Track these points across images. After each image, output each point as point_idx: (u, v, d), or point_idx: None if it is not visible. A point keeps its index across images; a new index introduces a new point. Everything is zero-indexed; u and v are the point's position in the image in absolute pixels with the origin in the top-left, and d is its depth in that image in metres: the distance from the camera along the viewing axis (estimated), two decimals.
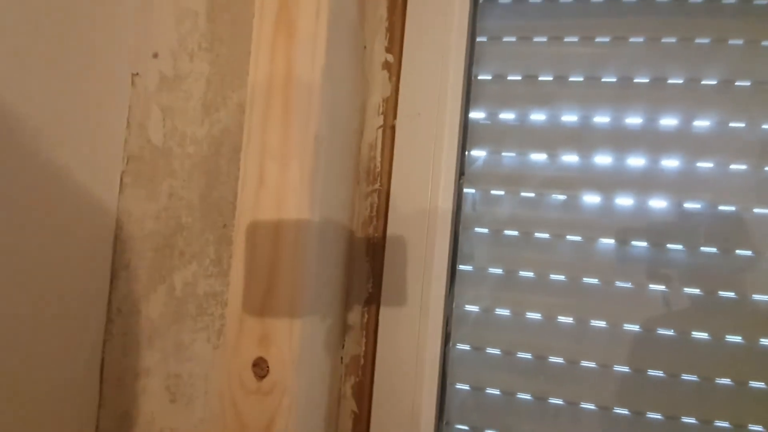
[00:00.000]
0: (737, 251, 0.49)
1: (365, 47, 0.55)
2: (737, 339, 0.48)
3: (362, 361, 0.53)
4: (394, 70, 0.55)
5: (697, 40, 0.51)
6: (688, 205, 0.50)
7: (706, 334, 0.49)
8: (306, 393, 0.37)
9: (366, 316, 0.54)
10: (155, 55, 0.40)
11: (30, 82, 0.33)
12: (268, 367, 0.34)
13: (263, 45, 0.36)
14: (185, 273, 0.39)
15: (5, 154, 0.31)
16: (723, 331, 0.48)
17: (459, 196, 0.53)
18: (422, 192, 0.51)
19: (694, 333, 0.49)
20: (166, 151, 0.39)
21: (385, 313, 0.52)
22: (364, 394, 0.53)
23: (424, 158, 0.51)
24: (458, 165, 0.52)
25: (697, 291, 0.49)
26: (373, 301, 0.53)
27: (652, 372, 0.49)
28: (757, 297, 0.48)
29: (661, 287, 0.50)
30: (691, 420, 0.49)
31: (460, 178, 0.53)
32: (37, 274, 0.35)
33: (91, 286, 0.38)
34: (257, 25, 0.36)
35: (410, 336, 0.50)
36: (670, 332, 0.49)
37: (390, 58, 0.55)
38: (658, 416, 0.49)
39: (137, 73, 0.40)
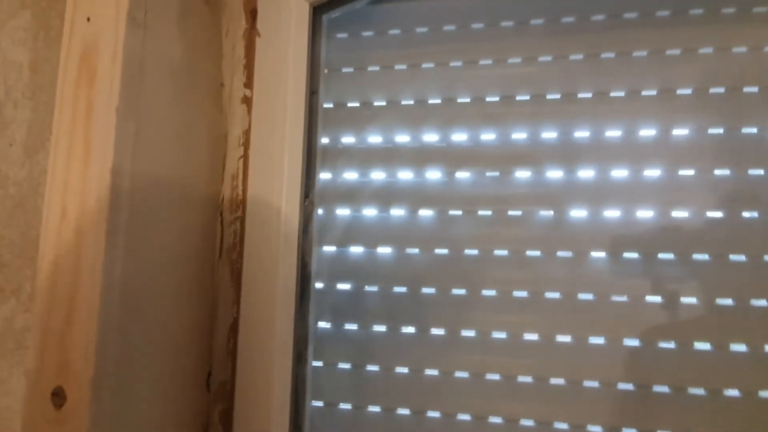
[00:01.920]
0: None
1: (222, 84, 0.58)
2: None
3: (228, 387, 0.54)
4: (251, 103, 0.58)
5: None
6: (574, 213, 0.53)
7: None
8: (117, 421, 0.38)
9: (231, 341, 0.55)
10: None
11: None
12: (65, 396, 0.35)
13: (66, 88, 0.39)
14: (5, 309, 0.40)
15: None
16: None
17: (306, 217, 0.55)
18: (271, 216, 0.53)
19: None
20: None
21: (242, 336, 0.53)
22: (231, 420, 0.53)
23: (271, 183, 0.54)
24: (302, 187, 0.54)
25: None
26: (238, 325, 0.55)
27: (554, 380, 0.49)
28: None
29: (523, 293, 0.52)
30: None
31: (305, 200, 0.55)
32: None
33: None
34: (62, 72, 0.39)
35: (263, 357, 0.51)
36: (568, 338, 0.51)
37: (248, 93, 0.58)
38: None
39: None
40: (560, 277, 0.51)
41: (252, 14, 0.59)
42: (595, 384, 0.49)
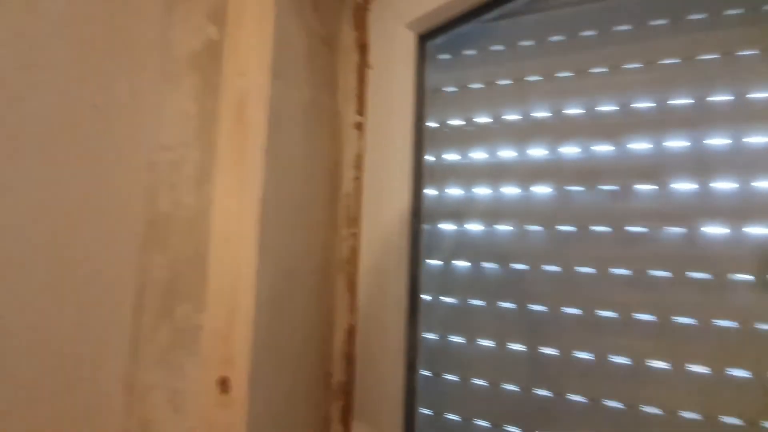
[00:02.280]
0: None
1: (338, 113, 0.65)
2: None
3: (346, 387, 0.60)
4: (363, 129, 0.64)
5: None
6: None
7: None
8: (269, 408, 0.45)
9: (348, 345, 0.61)
10: (165, 147, 0.54)
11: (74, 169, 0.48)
12: (230, 384, 0.44)
13: (225, 132, 0.48)
14: (183, 308, 0.50)
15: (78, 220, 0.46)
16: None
17: (415, 235, 0.59)
18: (383, 231, 0.58)
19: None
20: (171, 218, 0.53)
21: (360, 341, 0.58)
22: (348, 415, 0.59)
23: (382, 201, 0.58)
24: (411, 204, 0.58)
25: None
26: (354, 330, 0.60)
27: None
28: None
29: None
30: None
31: (414, 219, 0.59)
32: (75, 311, 0.49)
33: (117, 322, 0.52)
34: (222, 119, 0.48)
35: (379, 361, 0.56)
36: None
37: (360, 119, 0.64)
38: None
39: (153, 162, 0.54)
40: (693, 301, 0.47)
41: (363, 49, 0.65)
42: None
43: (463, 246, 0.59)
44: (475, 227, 0.59)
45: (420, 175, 0.60)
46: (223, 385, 0.44)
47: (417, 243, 0.59)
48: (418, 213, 0.60)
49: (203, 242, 0.51)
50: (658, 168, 0.50)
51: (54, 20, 0.47)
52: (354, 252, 0.62)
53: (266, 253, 0.46)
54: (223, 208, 0.46)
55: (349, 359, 0.60)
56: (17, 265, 0.44)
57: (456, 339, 0.58)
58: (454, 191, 0.59)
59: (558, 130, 0.55)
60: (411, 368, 0.57)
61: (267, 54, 0.47)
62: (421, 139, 0.60)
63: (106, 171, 0.51)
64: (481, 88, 0.61)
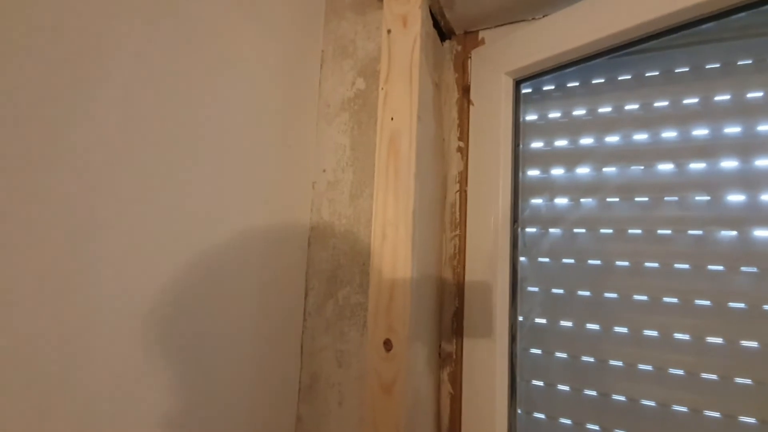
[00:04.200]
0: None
1: (444, 139, 0.81)
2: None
3: (454, 356, 0.76)
4: (465, 151, 0.80)
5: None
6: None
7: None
8: (415, 363, 0.62)
9: (455, 323, 0.77)
10: (324, 171, 0.72)
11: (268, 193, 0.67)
12: (392, 344, 0.60)
13: (381, 160, 0.65)
14: (344, 291, 0.68)
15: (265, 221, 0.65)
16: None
17: (515, 237, 0.74)
18: (487, 234, 0.74)
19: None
20: (330, 223, 0.70)
21: (467, 322, 0.74)
22: (456, 380, 0.75)
23: (486, 210, 0.74)
24: (512, 214, 0.73)
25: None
26: (460, 312, 0.76)
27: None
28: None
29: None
30: None
31: (514, 224, 0.74)
32: (268, 296, 0.67)
33: (294, 300, 0.70)
34: (378, 150, 0.65)
35: (485, 338, 0.71)
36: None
37: (462, 144, 0.81)
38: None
39: (315, 182, 0.72)
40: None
41: (464, 88, 0.81)
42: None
43: (548, 245, 0.74)
44: (556, 230, 0.74)
45: (518, 189, 0.76)
46: (387, 345, 0.60)
47: (516, 243, 0.74)
48: (518, 219, 0.75)
49: (358, 242, 0.68)
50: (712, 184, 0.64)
51: (258, 93, 0.65)
52: (459, 250, 0.78)
53: (415, 250, 0.62)
54: (381, 217, 0.63)
55: (457, 335, 0.76)
56: (235, 253, 0.62)
57: (541, 321, 0.73)
58: (539, 201, 0.75)
59: (622, 153, 0.70)
60: (514, 341, 0.72)
61: (414, 103, 0.64)
62: (518, 161, 0.76)
63: (286, 189, 0.69)
64: (559, 116, 0.76)
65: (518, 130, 0.76)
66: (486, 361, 0.71)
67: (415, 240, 0.63)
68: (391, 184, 0.64)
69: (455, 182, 0.81)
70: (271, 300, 0.67)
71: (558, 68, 0.71)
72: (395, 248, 0.62)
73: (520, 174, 0.78)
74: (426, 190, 0.69)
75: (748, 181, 0.63)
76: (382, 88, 0.66)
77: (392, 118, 0.65)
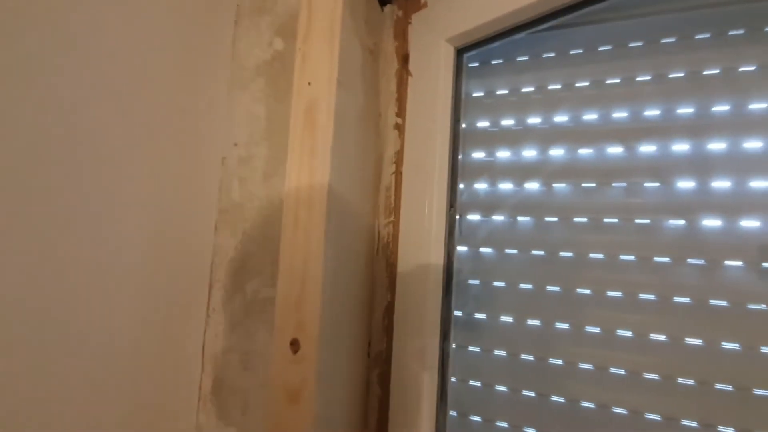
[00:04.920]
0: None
1: (380, 115, 0.73)
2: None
3: (384, 355, 0.69)
4: (402, 129, 0.72)
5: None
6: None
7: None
8: (330, 367, 0.54)
9: (386, 319, 0.69)
10: (235, 144, 0.62)
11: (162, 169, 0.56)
12: (300, 345, 0.52)
13: (297, 132, 0.56)
14: (253, 283, 0.59)
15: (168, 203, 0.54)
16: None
17: (450, 224, 0.67)
18: (421, 220, 0.66)
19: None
20: (241, 206, 0.61)
21: (397, 317, 0.67)
22: (385, 381, 0.68)
23: (421, 194, 0.66)
24: (449, 199, 0.66)
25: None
26: (391, 307, 0.69)
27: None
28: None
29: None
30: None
31: (450, 209, 0.67)
32: (163, 289, 0.57)
33: (196, 294, 0.60)
34: (293, 121, 0.56)
35: (416, 333, 0.64)
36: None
37: (399, 120, 0.72)
38: None
39: (225, 157, 0.62)
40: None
41: (403, 58, 0.72)
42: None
43: (490, 234, 0.67)
44: (500, 218, 0.68)
45: (456, 171, 0.68)
46: (294, 345, 0.52)
47: (452, 230, 0.67)
48: (454, 204, 0.68)
49: (270, 227, 0.59)
50: (662, 168, 0.58)
51: (152, 41, 0.54)
52: (393, 238, 0.70)
53: (330, 237, 0.54)
54: (293, 197, 0.55)
55: (387, 331, 0.69)
56: (120, 243, 0.52)
57: (480, 315, 0.67)
58: (482, 186, 0.68)
59: (575, 134, 0.64)
60: (446, 338, 0.65)
61: (334, 66, 0.55)
62: (457, 140, 0.68)
63: (186, 165, 0.59)
64: (507, 93, 0.69)
65: (459, 104, 0.68)
66: (414, 361, 0.64)
67: (331, 224, 0.54)
68: (306, 160, 0.55)
69: (391, 163, 0.72)
70: (167, 294, 0.57)
71: (503, 34, 0.64)
72: (307, 233, 0.53)
73: (461, 155, 0.70)
74: (350, 169, 0.60)
75: (699, 166, 0.57)
76: (299, 49, 0.57)
77: (309, 83, 0.56)
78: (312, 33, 0.57)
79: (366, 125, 0.66)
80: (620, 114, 0.62)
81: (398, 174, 0.72)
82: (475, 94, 0.72)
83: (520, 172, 0.66)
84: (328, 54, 0.55)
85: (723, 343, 0.54)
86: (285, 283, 0.54)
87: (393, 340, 0.67)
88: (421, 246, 0.66)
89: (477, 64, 0.73)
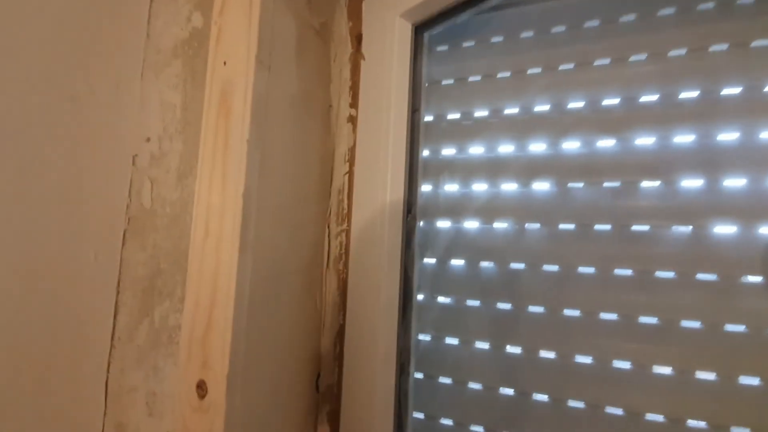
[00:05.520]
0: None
1: (330, 105, 0.62)
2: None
3: (335, 390, 0.58)
4: (356, 121, 0.61)
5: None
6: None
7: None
8: (247, 414, 0.43)
9: (338, 346, 0.59)
10: (148, 140, 0.52)
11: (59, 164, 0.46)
12: (206, 388, 0.41)
13: (210, 123, 0.45)
14: (161, 309, 0.48)
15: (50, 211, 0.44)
16: None
17: (408, 233, 0.56)
18: (375, 229, 0.56)
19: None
20: (152, 213, 0.50)
21: (348, 343, 0.56)
22: (336, 420, 0.57)
23: (375, 198, 0.56)
24: (405, 203, 0.56)
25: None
26: (343, 332, 0.58)
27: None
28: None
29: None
30: None
31: (408, 215, 0.56)
32: (59, 312, 0.47)
33: (98, 321, 0.50)
34: (206, 109, 0.46)
35: (368, 364, 0.53)
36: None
37: (353, 112, 0.62)
38: None
39: (136, 155, 0.52)
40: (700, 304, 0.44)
41: (357, 39, 0.62)
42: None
43: (460, 244, 0.56)
44: (472, 224, 0.57)
45: (415, 169, 0.58)
46: (200, 389, 0.41)
47: (410, 240, 0.56)
48: (413, 209, 0.57)
49: (184, 239, 0.49)
50: (663, 164, 0.48)
51: (25, 6, 0.45)
52: (346, 250, 0.60)
53: (248, 251, 0.43)
54: (204, 203, 0.44)
55: (339, 361, 0.58)
56: None
57: (451, 341, 0.56)
58: (451, 187, 0.57)
59: (559, 124, 0.53)
60: (403, 371, 0.55)
61: (252, 42, 0.44)
62: (416, 133, 0.58)
63: (85, 165, 0.49)
64: (480, 80, 0.59)
65: (418, 91, 0.58)
66: (366, 396, 0.53)
67: (249, 236, 0.44)
68: (219, 157, 0.44)
69: (344, 161, 0.62)
70: (63, 321, 0.47)
71: (466, 5, 0.54)
72: (218, 248, 0.43)
73: (428, 152, 0.60)
74: (282, 167, 0.50)
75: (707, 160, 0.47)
76: (215, 22, 0.47)
77: (225, 63, 0.46)
78: (229, 3, 0.46)
79: (307, 117, 0.56)
80: (611, 101, 0.52)
81: (351, 174, 0.61)
82: (444, 82, 0.62)
83: (494, 169, 0.56)
84: (245, 27, 0.45)
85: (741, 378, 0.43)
86: (191, 310, 0.43)
87: (343, 371, 0.56)
88: (373, 259, 0.55)
89: (446, 48, 0.63)
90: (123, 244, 0.51)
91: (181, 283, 0.47)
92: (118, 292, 0.50)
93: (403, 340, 0.55)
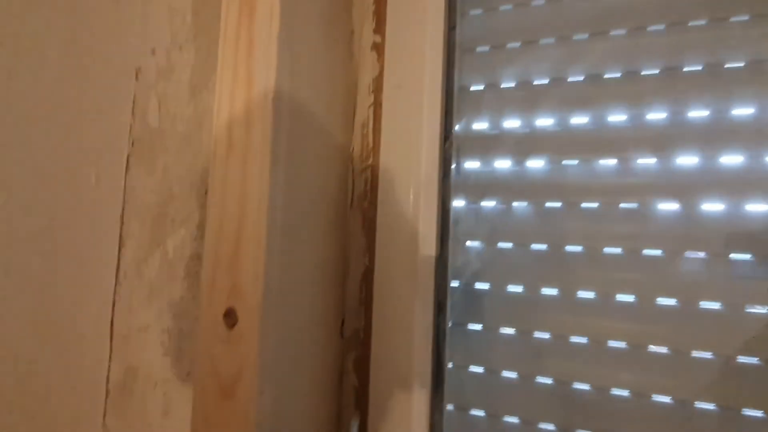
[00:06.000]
0: None
1: (353, 32, 0.57)
2: None
3: (362, 335, 0.54)
4: (382, 49, 0.56)
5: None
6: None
7: None
8: (279, 348, 0.39)
9: (364, 290, 0.54)
10: (153, 51, 0.46)
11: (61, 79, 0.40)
12: (237, 317, 0.37)
13: (230, 21, 0.40)
14: (175, 238, 0.43)
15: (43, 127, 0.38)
16: None
17: (446, 160, 0.52)
18: (408, 162, 0.51)
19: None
20: (161, 132, 0.44)
21: (377, 286, 0.52)
22: (364, 367, 0.53)
23: (407, 129, 0.51)
24: (442, 132, 0.51)
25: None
26: (370, 273, 0.54)
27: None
28: None
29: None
30: None
31: (445, 142, 0.52)
32: (57, 244, 0.41)
33: (100, 255, 0.44)
34: (224, 11, 0.40)
35: (402, 306, 0.49)
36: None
37: (378, 39, 0.57)
38: None
39: (140, 68, 0.46)
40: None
41: None
42: None
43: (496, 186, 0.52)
44: (506, 164, 0.53)
45: (452, 97, 0.53)
46: (229, 318, 0.37)
47: (448, 172, 0.52)
48: (450, 137, 0.53)
49: (201, 159, 0.43)
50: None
51: None
52: (372, 186, 0.55)
53: (280, 165, 0.38)
54: (225, 113, 0.39)
55: (365, 305, 0.54)
56: None
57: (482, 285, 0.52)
58: (483, 125, 0.53)
59: (598, 51, 0.49)
60: (441, 311, 0.51)
61: None
62: (452, 54, 0.53)
63: (81, 81, 0.43)
64: (511, 10, 0.54)
65: (453, 8, 0.53)
66: (401, 340, 0.49)
67: (282, 146, 0.38)
68: (243, 60, 0.39)
69: (368, 93, 0.57)
70: (60, 255, 0.41)
71: None
72: (245, 161, 0.38)
73: (459, 75, 0.55)
74: (309, 85, 0.45)
75: None
76: None
77: None
78: None
79: (331, 41, 0.51)
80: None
81: (377, 106, 0.56)
82: (472, 13, 0.57)
83: (531, 102, 0.51)
84: None
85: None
86: (214, 232, 0.38)
87: (373, 315, 0.52)
88: (408, 194, 0.51)
89: None
90: (127, 170, 0.45)
91: (198, 209, 0.42)
92: (122, 223, 0.45)
93: (440, 279, 0.51)
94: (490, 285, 0.51)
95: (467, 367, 0.51)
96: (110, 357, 0.43)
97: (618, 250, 0.47)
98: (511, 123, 0.53)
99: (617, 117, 0.48)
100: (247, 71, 0.38)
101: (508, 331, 0.50)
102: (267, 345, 0.37)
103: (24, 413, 0.38)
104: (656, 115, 0.47)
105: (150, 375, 0.42)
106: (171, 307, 0.42)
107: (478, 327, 0.52)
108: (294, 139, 0.41)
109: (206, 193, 0.41)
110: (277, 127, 0.38)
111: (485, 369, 0.51)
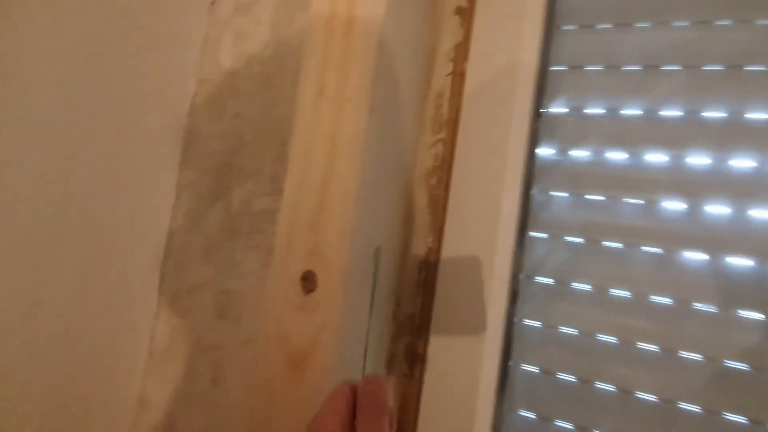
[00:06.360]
0: None
1: None
2: None
3: (418, 321, 0.50)
4: (468, 14, 0.52)
5: None
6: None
7: None
8: (355, 317, 0.35)
9: (423, 273, 0.50)
10: None
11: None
12: (317, 281, 0.32)
13: None
14: (241, 191, 0.39)
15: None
16: None
17: (532, 143, 0.48)
18: (494, 140, 0.47)
19: None
20: (233, 75, 0.40)
21: (443, 270, 0.47)
22: (414, 357, 0.49)
23: (496, 104, 0.47)
24: (533, 111, 0.47)
25: None
26: (434, 256, 0.50)
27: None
28: None
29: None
30: None
31: (537, 116, 0.48)
32: (105, 188, 0.37)
33: (149, 206, 0.40)
34: None
35: (470, 294, 0.45)
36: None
37: (463, 2, 0.52)
38: None
39: (214, 2, 0.42)
40: None
41: None
42: None
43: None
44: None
45: (545, 80, 0.48)
46: (307, 281, 0.32)
47: (532, 161, 0.48)
48: (539, 125, 0.48)
49: (279, 106, 0.39)
50: None
51: None
52: (443, 162, 0.51)
53: (377, 116, 0.34)
54: (317, 53, 0.34)
55: (424, 289, 0.50)
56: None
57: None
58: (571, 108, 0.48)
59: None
60: (514, 301, 0.47)
61: None
62: (551, 29, 0.49)
63: (153, 13, 0.38)
64: None
65: None
66: (468, 333, 0.45)
67: (379, 97, 0.34)
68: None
69: (447, 60, 0.52)
70: (108, 205, 0.37)
71: None
72: (337, 108, 0.33)
73: (557, 51, 0.50)
74: (400, 40, 0.40)
75: None
76: None
77: None
78: None
79: (412, 3, 0.46)
80: None
81: (457, 75, 0.52)
82: None
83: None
84: None
85: None
86: (294, 187, 0.34)
87: (434, 301, 0.48)
88: (488, 175, 0.46)
89: None
90: (190, 112, 0.41)
91: (271, 161, 0.37)
92: (180, 170, 0.40)
93: (516, 264, 0.47)
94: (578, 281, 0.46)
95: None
96: (156, 315, 0.39)
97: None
98: (596, 110, 0.48)
99: (715, 113, 0.44)
100: (348, 10, 0.34)
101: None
102: (346, 315, 0.32)
103: (60, 368, 0.34)
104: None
105: (201, 339, 0.38)
106: (231, 266, 0.38)
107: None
108: (387, 93, 0.37)
109: (282, 145, 0.37)
110: (378, 75, 0.34)
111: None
